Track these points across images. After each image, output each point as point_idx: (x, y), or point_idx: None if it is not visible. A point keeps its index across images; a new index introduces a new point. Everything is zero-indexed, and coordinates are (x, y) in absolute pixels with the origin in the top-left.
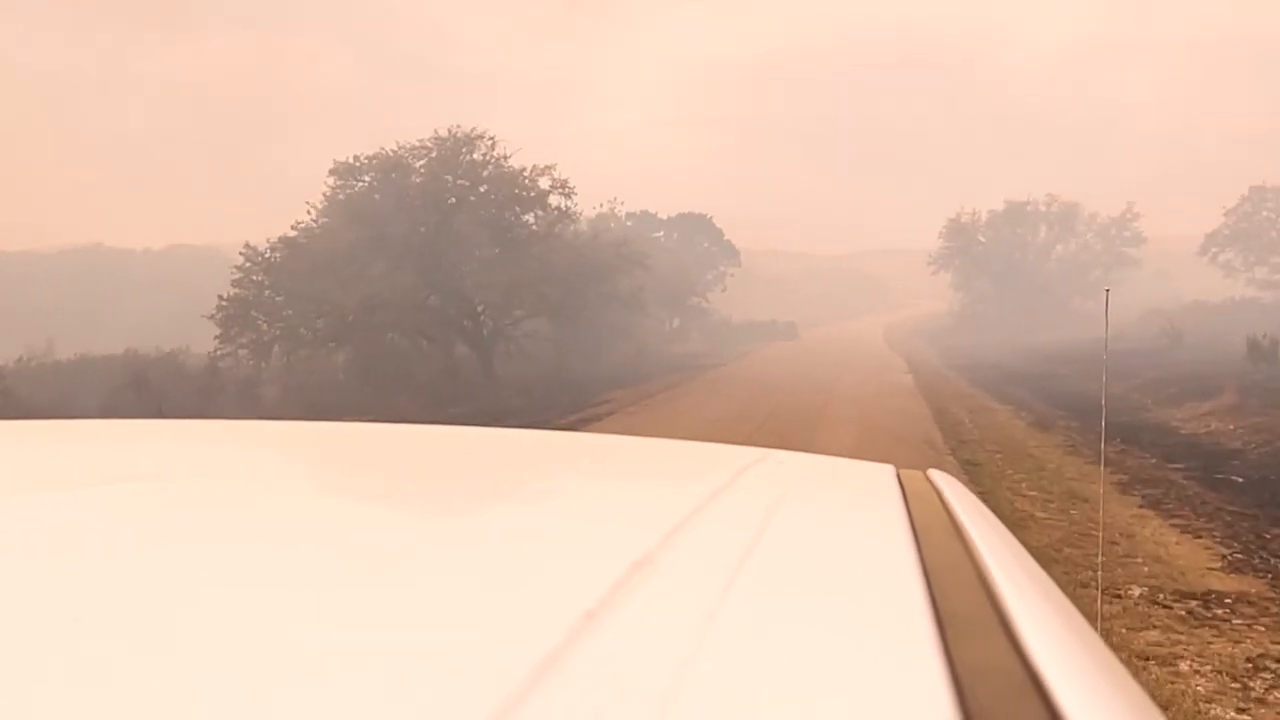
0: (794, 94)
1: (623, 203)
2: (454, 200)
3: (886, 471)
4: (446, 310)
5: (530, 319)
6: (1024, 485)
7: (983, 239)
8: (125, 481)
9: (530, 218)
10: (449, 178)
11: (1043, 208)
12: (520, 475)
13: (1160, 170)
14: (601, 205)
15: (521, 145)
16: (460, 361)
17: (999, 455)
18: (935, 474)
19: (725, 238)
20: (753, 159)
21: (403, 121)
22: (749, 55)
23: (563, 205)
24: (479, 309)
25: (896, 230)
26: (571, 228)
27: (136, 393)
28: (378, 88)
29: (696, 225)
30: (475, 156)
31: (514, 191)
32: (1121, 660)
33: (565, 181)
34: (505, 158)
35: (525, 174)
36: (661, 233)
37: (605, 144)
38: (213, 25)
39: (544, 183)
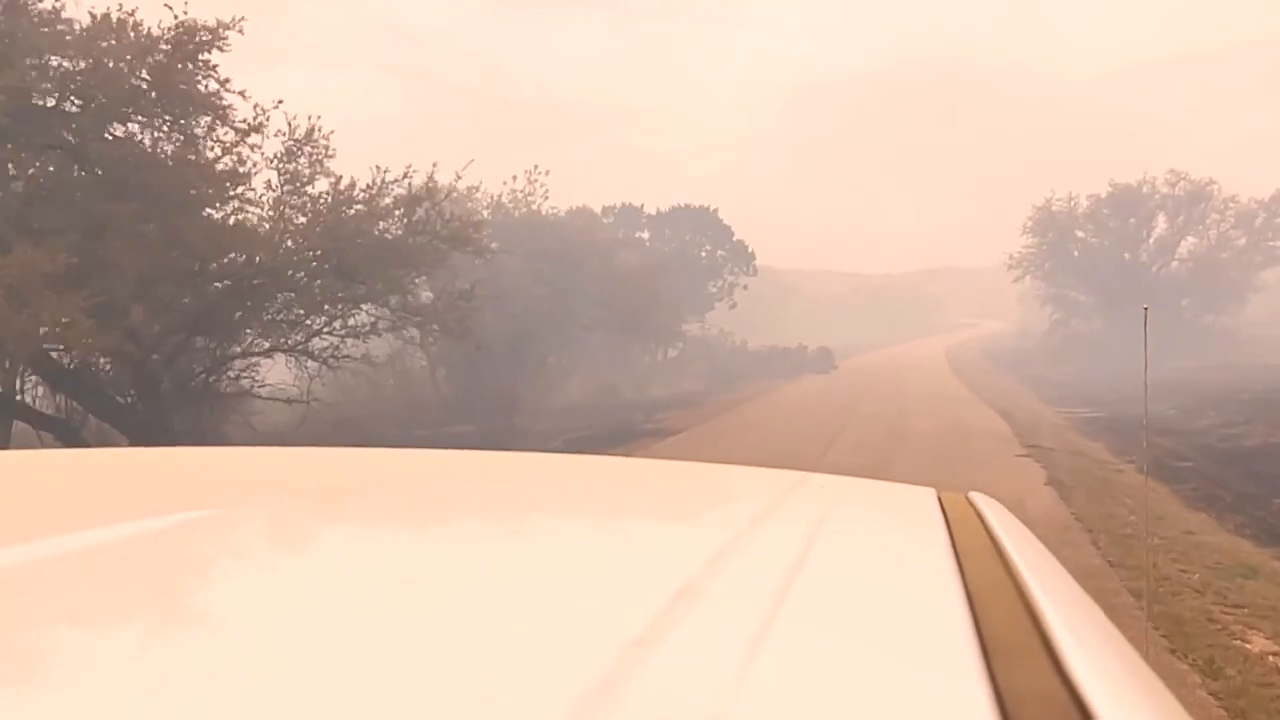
0: (843, 115)
1: (545, 171)
2: None
3: (928, 495)
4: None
5: (261, 360)
6: None
7: (1081, 234)
8: (157, 516)
9: (166, 133)
10: None
11: (1163, 189)
12: (562, 501)
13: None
14: (510, 181)
15: None
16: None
17: None
18: (977, 496)
19: (735, 238)
20: (800, 179)
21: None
22: (796, 79)
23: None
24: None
25: (951, 248)
26: (330, 185)
27: None
28: None
29: (696, 222)
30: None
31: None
32: (1168, 686)
33: (216, 34)
34: None
35: (161, 39)
36: (648, 233)
37: (648, 165)
38: None
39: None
